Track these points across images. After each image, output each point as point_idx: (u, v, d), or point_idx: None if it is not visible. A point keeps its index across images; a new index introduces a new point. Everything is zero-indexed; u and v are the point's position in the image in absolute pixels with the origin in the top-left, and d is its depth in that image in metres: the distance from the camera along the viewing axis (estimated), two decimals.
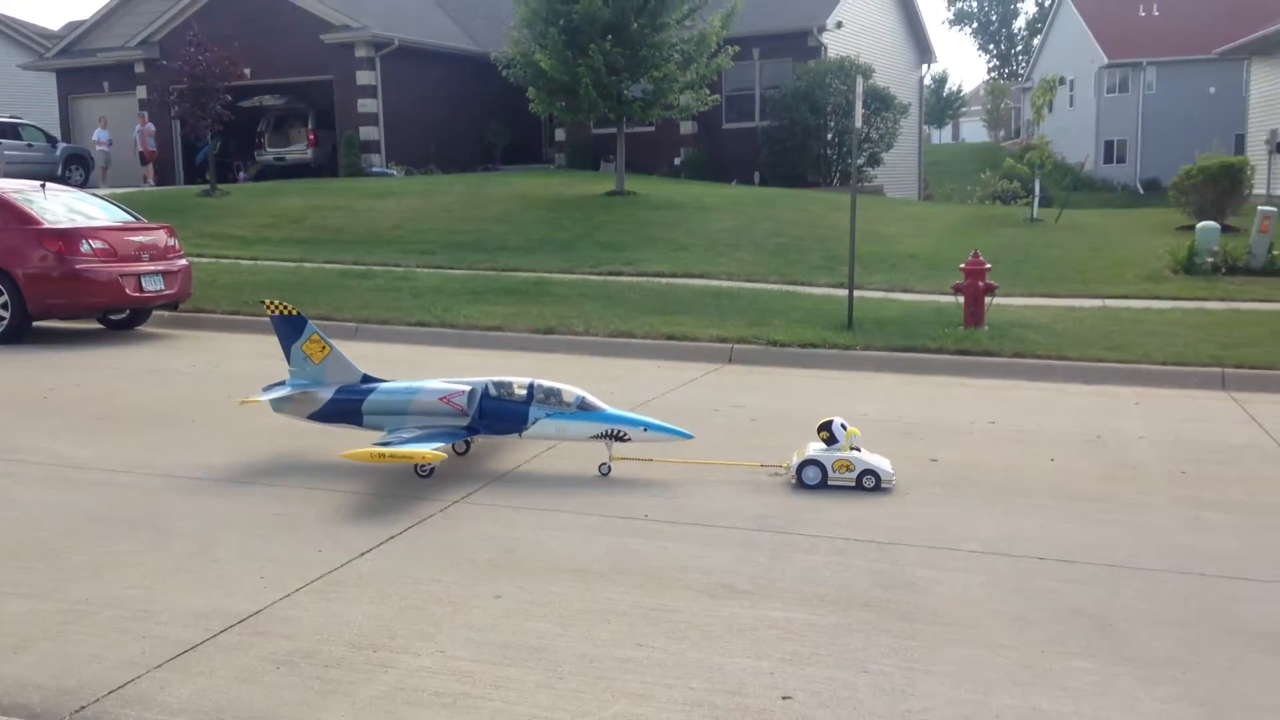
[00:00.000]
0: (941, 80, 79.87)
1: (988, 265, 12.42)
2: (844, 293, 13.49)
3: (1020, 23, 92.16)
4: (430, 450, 6.91)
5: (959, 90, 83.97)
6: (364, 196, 23.71)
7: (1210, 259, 16.52)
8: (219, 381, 10.64)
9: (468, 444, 7.75)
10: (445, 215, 21.51)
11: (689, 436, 7.45)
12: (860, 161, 16.37)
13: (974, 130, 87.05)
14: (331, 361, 7.79)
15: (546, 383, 7.48)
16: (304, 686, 4.53)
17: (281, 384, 8.02)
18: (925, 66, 42.90)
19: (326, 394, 7.70)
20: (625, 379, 10.89)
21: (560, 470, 7.66)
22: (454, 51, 34.15)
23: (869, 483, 7.19)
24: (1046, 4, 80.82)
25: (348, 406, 7.64)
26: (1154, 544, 6.24)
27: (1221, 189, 21.58)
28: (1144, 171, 49.14)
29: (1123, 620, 5.20)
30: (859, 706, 4.41)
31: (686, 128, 32.02)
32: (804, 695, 4.50)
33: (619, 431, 7.28)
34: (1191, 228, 18.94)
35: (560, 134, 34.48)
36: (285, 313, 7.89)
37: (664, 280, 15.82)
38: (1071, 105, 53.40)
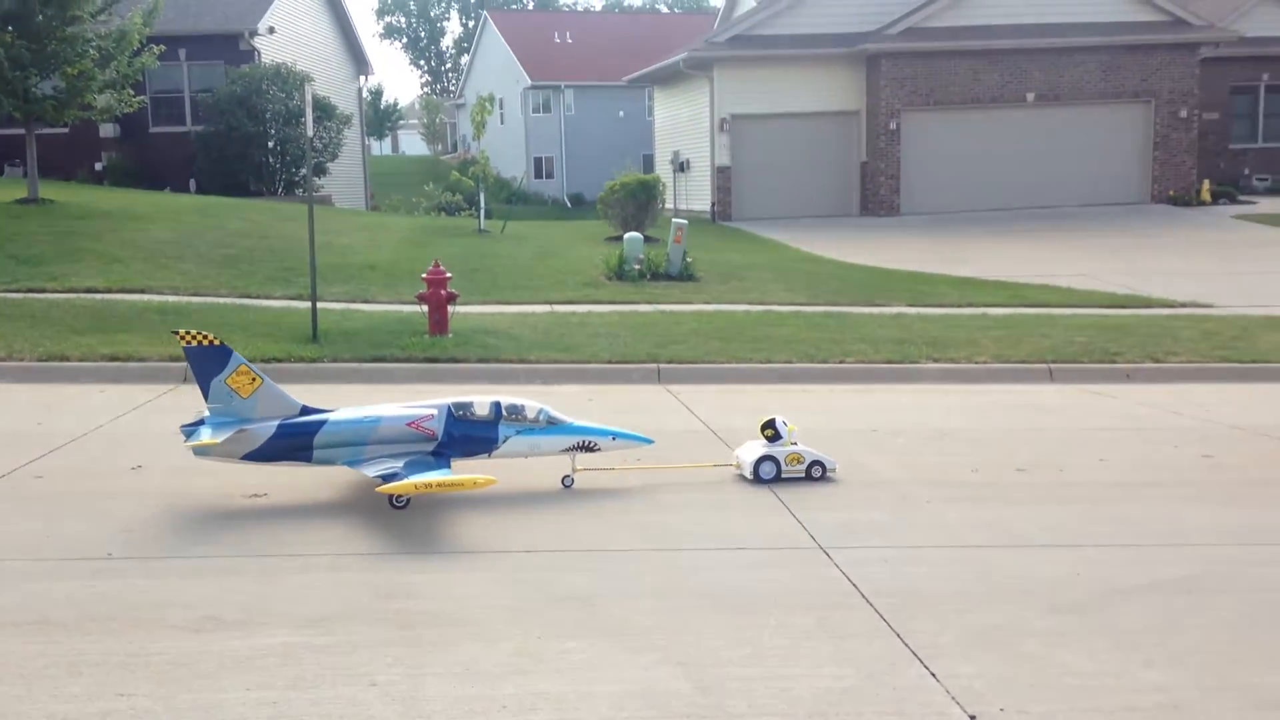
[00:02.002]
0: (378, 93, 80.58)
1: (449, 274, 12.72)
2: (304, 305, 13.11)
3: (449, 41, 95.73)
4: (479, 475, 6.67)
5: (396, 104, 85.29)
6: None
7: (637, 266, 18.26)
8: None
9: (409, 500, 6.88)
10: None
11: (650, 442, 7.67)
12: (307, 171, 16.04)
13: (413, 143, 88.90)
14: (263, 394, 7.00)
15: (509, 399, 7.41)
16: None
17: (200, 423, 6.94)
18: (363, 78, 43.00)
19: (267, 430, 6.87)
20: (60, 407, 9.76)
21: None
22: None
23: (817, 473, 7.76)
24: (471, 25, 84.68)
25: (296, 442, 6.91)
26: (628, 525, 6.79)
27: (640, 203, 24.00)
28: (570, 186, 53.22)
29: (606, 599, 5.61)
30: None
31: (107, 130, 29.31)
32: (313, 719, 4.33)
33: (590, 443, 7.37)
34: (619, 238, 20.81)
35: None
36: (204, 343, 6.88)
37: (98, 296, 14.33)
38: (503, 123, 56.36)
